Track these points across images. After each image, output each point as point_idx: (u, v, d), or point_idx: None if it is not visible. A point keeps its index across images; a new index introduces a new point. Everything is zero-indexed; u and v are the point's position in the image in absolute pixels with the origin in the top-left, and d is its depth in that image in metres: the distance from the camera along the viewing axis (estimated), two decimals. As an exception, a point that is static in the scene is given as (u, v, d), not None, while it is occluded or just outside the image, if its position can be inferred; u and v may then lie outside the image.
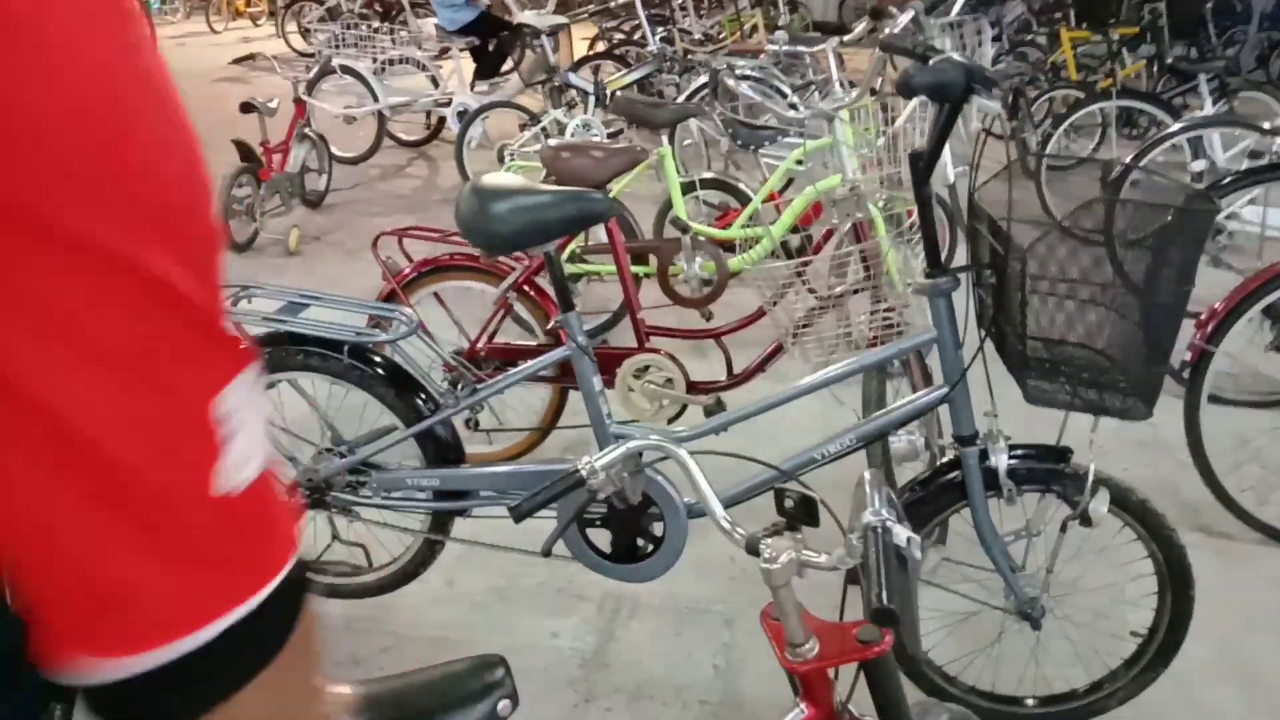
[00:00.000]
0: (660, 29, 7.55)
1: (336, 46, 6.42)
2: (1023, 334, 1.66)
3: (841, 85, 3.16)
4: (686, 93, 5.43)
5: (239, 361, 0.45)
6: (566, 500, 1.34)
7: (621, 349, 2.74)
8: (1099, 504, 1.73)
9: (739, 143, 3.88)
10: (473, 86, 6.65)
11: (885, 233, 2.76)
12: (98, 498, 0.41)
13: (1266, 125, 4.00)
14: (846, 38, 3.27)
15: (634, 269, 3.61)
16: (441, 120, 6.79)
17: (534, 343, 2.78)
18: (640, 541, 2.01)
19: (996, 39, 7.06)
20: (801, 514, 1.20)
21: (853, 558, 1.04)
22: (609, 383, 2.73)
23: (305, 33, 7.00)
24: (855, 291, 2.50)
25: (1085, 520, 1.75)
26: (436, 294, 2.82)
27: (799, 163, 4.07)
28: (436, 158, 6.81)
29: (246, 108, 4.73)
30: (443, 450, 2.08)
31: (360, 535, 2.34)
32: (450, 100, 6.35)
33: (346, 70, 6.14)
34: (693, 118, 4.50)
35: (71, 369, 0.39)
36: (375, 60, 6.38)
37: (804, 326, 2.46)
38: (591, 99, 5.51)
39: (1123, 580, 1.93)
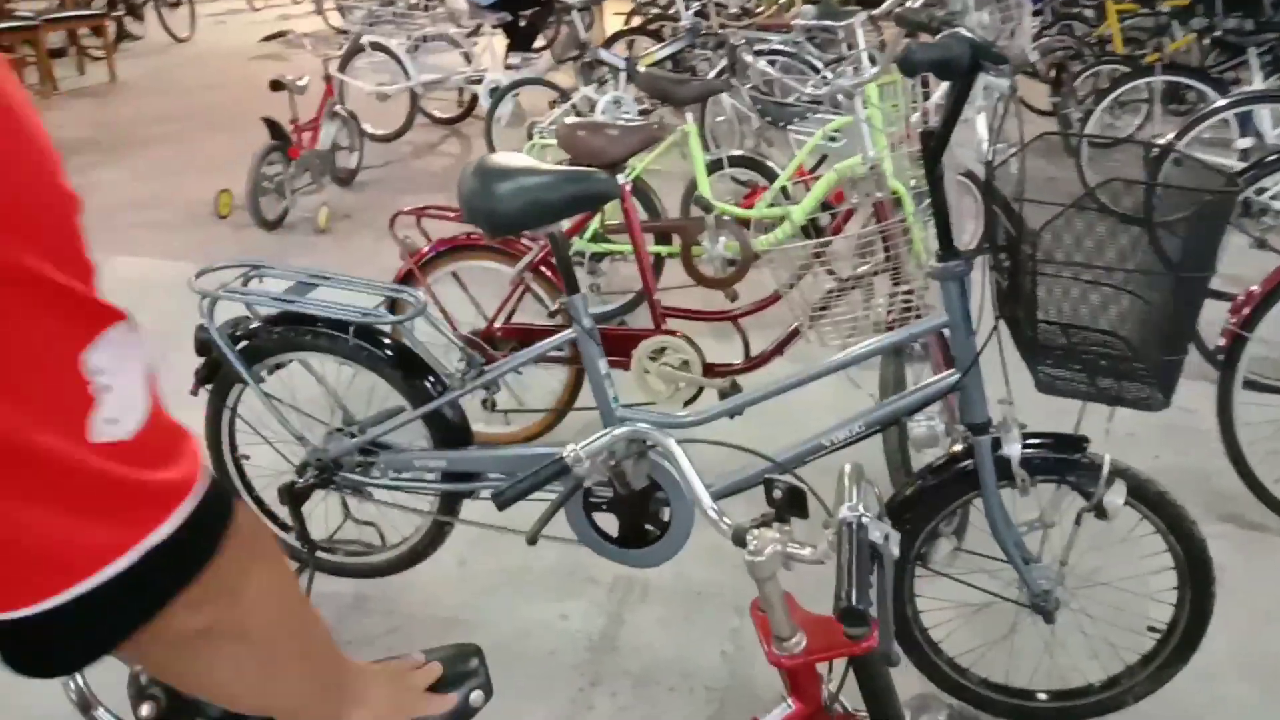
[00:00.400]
0: (696, 3, 7.46)
1: (372, 24, 6.42)
2: (1033, 319, 1.60)
3: (872, 60, 3.10)
4: (717, 68, 5.35)
5: (102, 320, 0.48)
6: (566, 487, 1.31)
7: (638, 330, 2.71)
8: (1115, 496, 1.68)
9: (767, 119, 3.82)
10: (506, 61, 6.62)
11: (913, 211, 2.70)
12: None
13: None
14: (876, 11, 3.19)
15: (658, 249, 3.58)
16: (474, 98, 6.77)
17: (550, 323, 2.76)
18: (647, 526, 1.99)
19: (1039, 12, 6.87)
20: (790, 505, 1.17)
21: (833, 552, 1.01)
22: (625, 364, 2.71)
23: (343, 10, 7.01)
24: (875, 273, 2.45)
25: (1100, 513, 1.70)
26: (455, 273, 2.81)
27: (832, 139, 4.00)
28: (469, 135, 6.80)
29: (276, 86, 4.74)
30: (450, 432, 2.07)
31: (372, 515, 2.35)
32: (482, 77, 6.33)
33: (377, 47, 6.14)
34: (718, 94, 4.44)
35: None
36: (409, 37, 6.37)
37: (821, 309, 2.41)
38: (623, 75, 5.46)
39: (1141, 574, 1.87)
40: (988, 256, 1.75)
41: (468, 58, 6.57)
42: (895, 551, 0.95)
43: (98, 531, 0.48)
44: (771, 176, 3.78)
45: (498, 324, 2.76)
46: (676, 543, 1.96)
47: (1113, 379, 1.64)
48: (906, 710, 1.23)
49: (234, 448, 2.26)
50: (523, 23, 6.81)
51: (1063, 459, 1.74)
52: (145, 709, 0.90)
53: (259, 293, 2.00)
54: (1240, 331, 2.47)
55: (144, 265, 4.39)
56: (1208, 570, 1.78)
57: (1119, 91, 5.11)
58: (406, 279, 2.76)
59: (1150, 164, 2.54)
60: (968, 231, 3.50)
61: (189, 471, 0.53)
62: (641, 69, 5.37)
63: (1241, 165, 3.61)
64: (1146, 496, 1.75)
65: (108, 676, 1.01)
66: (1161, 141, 4.00)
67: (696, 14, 6.59)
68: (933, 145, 1.63)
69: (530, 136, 5.26)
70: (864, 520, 0.94)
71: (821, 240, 2.40)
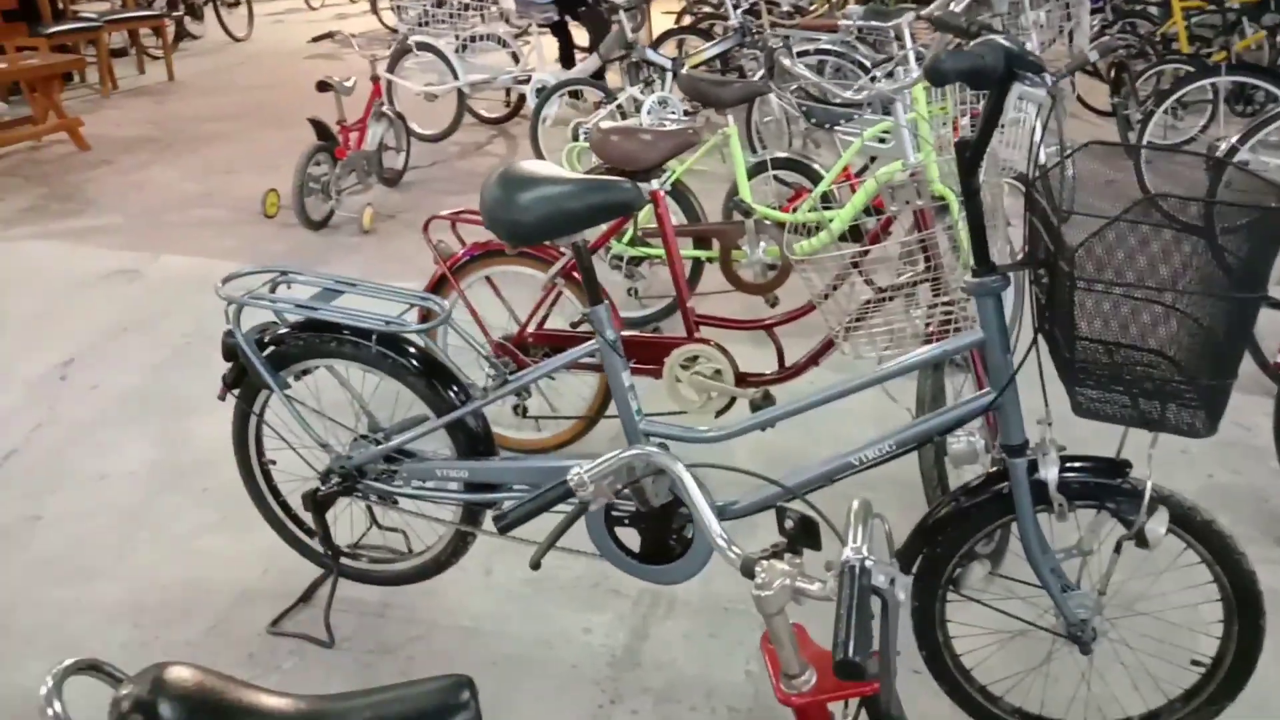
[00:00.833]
0: (746, 1, 7.37)
1: (425, 23, 6.44)
2: (1071, 338, 1.53)
3: (919, 61, 3.01)
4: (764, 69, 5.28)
5: None
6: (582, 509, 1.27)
7: (670, 338, 2.67)
8: (1157, 524, 1.60)
9: (813, 121, 3.75)
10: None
11: (960, 217, 2.61)
12: None
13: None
14: (924, 11, 3.10)
15: (697, 253, 3.53)
16: (522, 97, 6.77)
17: (580, 329, 2.73)
18: (670, 542, 1.95)
19: (1099, 9, 6.67)
20: (802, 536, 1.12)
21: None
22: (657, 373, 2.67)
23: (398, 10, 7.06)
24: (915, 283, 2.38)
25: (1141, 541, 1.61)
26: (489, 278, 2.79)
27: (882, 139, 3.92)
28: (517, 135, 6.81)
29: (323, 87, 4.78)
30: (473, 442, 2.04)
31: (399, 522, 2.34)
32: (530, 77, 6.32)
33: (423, 47, 6.16)
34: (760, 96, 4.37)
35: None
36: (457, 37, 6.38)
37: (857, 320, 2.34)
38: (669, 75, 5.41)
39: (1186, 604, 1.79)
40: (1027, 272, 1.68)
41: (516, 57, 6.57)
42: (901, 597, 0.90)
43: None
44: (816, 179, 3.71)
45: (530, 330, 2.73)
46: (700, 559, 1.92)
47: (1156, 403, 1.55)
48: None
49: (261, 453, 2.26)
50: (569, 22, 6.79)
51: (1102, 484, 1.66)
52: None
53: (284, 299, 2.00)
54: (1301, 348, 2.35)
55: (191, 264, 4.45)
56: (1258, 603, 1.68)
57: (1182, 92, 4.94)
58: (440, 283, 2.74)
59: (1211, 171, 2.43)
60: (1018, 241, 3.39)
61: None
62: (686, 69, 5.33)
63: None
64: (1191, 525, 1.67)
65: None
66: (1224, 145, 3.85)
67: (747, 12, 6.51)
68: (968, 156, 1.56)
69: (575, 137, 5.25)
70: (867, 564, 0.89)
71: (858, 249, 2.32)
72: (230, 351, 2.07)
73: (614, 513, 1.96)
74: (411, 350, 2.02)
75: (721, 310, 3.01)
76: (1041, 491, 1.67)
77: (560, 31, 6.90)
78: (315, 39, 5.04)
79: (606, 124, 2.72)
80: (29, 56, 6.64)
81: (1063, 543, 1.74)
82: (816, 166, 3.76)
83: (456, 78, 6.21)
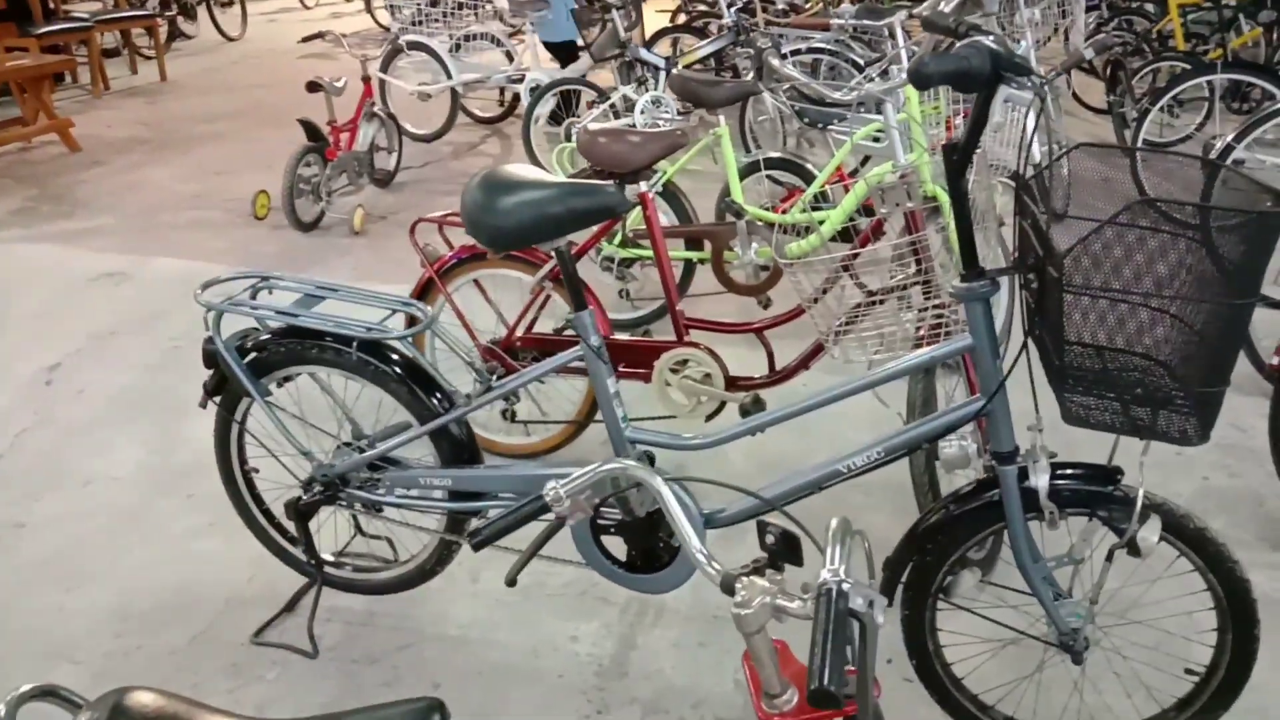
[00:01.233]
0: None
1: (419, 22, 6.41)
2: (1060, 344, 1.50)
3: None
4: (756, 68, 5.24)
5: None
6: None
7: (660, 342, 2.64)
8: (1149, 533, 1.57)
9: (805, 120, 3.72)
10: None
11: (952, 219, 2.58)
12: None
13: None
14: (915, 10, 3.07)
15: (688, 254, 3.50)
16: (516, 97, 6.74)
17: (567, 333, 2.70)
18: (657, 550, 1.92)
19: (1094, 7, 6.64)
20: (784, 551, 1.09)
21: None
22: (646, 377, 2.64)
23: (393, 9, 7.03)
24: (905, 287, 2.35)
25: (1133, 550, 1.59)
26: (477, 281, 2.76)
27: (876, 139, 3.89)
28: (511, 135, 6.77)
29: (313, 87, 4.74)
30: (457, 449, 2.01)
31: (382, 531, 2.31)
32: (523, 76, 6.28)
33: (415, 47, 6.13)
34: (751, 96, 4.34)
35: None
36: (451, 37, 6.35)
37: (847, 324, 2.31)
38: (663, 74, 5.38)
39: (1180, 612, 1.76)
40: (1017, 276, 1.65)
41: (510, 56, 6.53)
42: (880, 620, 0.87)
43: None
44: (810, 179, 3.69)
45: (518, 333, 2.71)
46: (687, 568, 1.89)
47: (1147, 409, 1.52)
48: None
49: (244, 461, 2.23)
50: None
51: (1094, 492, 1.64)
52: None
53: (264, 306, 1.97)
54: (1296, 350, 2.33)
55: (181, 266, 4.42)
56: (1251, 612, 1.66)
57: (1178, 90, 4.91)
58: (427, 287, 2.72)
59: (1206, 171, 2.40)
60: (1011, 242, 3.36)
61: None
62: (680, 68, 5.29)
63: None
64: (1184, 533, 1.64)
65: None
66: (1220, 144, 3.81)
67: (741, 10, 6.48)
68: (956, 159, 1.53)
69: (568, 137, 5.22)
70: (844, 587, 0.86)
71: (848, 253, 2.30)
72: (210, 358, 2.04)
73: (600, 521, 1.93)
74: (394, 357, 1.99)
75: (714, 311, 2.99)
76: (1032, 499, 1.64)
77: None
78: (305, 39, 5.00)
79: (595, 125, 2.69)
80: (19, 57, 6.60)
81: (1055, 550, 1.71)
82: (810, 166, 3.73)
83: (450, 77, 6.18)
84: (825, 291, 2.42)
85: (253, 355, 2.03)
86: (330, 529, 2.31)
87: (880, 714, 1.18)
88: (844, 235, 3.15)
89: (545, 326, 2.78)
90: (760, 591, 1.01)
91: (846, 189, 3.18)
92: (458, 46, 6.38)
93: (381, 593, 2.28)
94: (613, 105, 5.30)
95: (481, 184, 1.75)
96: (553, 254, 2.57)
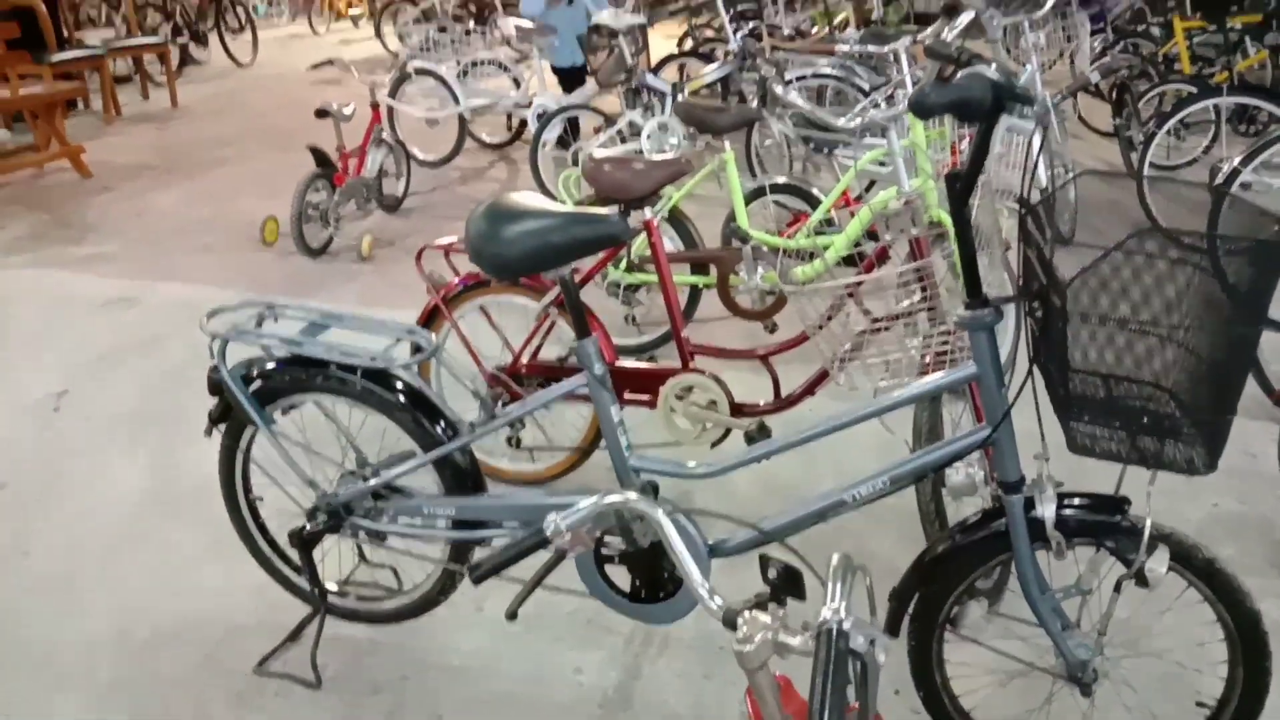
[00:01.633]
0: (749, 24, 7.38)
1: (427, 49, 6.46)
2: (1065, 373, 1.49)
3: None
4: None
5: None
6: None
7: (664, 368, 2.63)
8: (1157, 564, 1.55)
9: (810, 146, 3.73)
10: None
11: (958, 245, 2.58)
12: None
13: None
14: (919, 36, 3.08)
15: (694, 279, 3.50)
16: (524, 122, 6.78)
17: (571, 361, 2.70)
18: (661, 580, 1.91)
19: (1099, 30, 6.66)
20: (786, 585, 1.08)
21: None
22: (651, 403, 2.63)
23: (403, 36, 7.09)
24: (910, 313, 2.34)
25: (1141, 581, 1.57)
26: (483, 307, 2.76)
27: (882, 163, 3.89)
28: (518, 160, 6.80)
29: (321, 114, 4.78)
30: (460, 478, 2.01)
31: (386, 560, 2.30)
32: (530, 101, 6.32)
33: (422, 73, 6.17)
34: (755, 122, 4.35)
35: None
36: (459, 63, 6.40)
37: (852, 351, 2.31)
38: (669, 100, 5.41)
39: (1190, 643, 1.74)
40: (1021, 304, 1.64)
41: (517, 82, 6.57)
42: (881, 659, 0.86)
43: None
44: (815, 204, 3.69)
45: (523, 360, 2.70)
46: (691, 599, 1.88)
47: (1154, 439, 1.51)
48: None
49: (248, 489, 2.23)
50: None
51: (1101, 521, 1.62)
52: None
53: (269, 334, 1.97)
54: (1305, 376, 2.31)
55: (189, 292, 4.43)
56: (1263, 644, 1.64)
57: (1184, 113, 4.90)
58: (433, 314, 2.72)
59: (1213, 197, 2.39)
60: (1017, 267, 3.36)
61: None
62: (686, 94, 5.32)
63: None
64: (1193, 563, 1.62)
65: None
66: (1226, 167, 3.81)
67: (748, 36, 6.52)
68: (958, 188, 1.53)
69: (575, 162, 5.24)
70: (845, 626, 0.85)
71: (853, 279, 2.29)
72: (216, 387, 2.04)
73: (603, 551, 1.92)
74: (398, 385, 1.99)
75: (720, 336, 2.98)
76: (1039, 529, 1.62)
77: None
78: (314, 66, 5.04)
79: (600, 153, 2.70)
80: (32, 84, 6.66)
81: (1062, 580, 1.69)
82: (815, 191, 3.73)
83: (457, 102, 6.22)
84: (830, 317, 2.41)
85: (258, 384, 2.03)
86: (334, 557, 2.30)
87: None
88: (849, 261, 3.16)
89: (553, 351, 2.78)
90: (762, 627, 1.00)
91: (852, 214, 3.19)
92: (465, 72, 6.43)
93: (385, 622, 2.27)
94: (619, 131, 5.33)
95: (485, 214, 1.76)
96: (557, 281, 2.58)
